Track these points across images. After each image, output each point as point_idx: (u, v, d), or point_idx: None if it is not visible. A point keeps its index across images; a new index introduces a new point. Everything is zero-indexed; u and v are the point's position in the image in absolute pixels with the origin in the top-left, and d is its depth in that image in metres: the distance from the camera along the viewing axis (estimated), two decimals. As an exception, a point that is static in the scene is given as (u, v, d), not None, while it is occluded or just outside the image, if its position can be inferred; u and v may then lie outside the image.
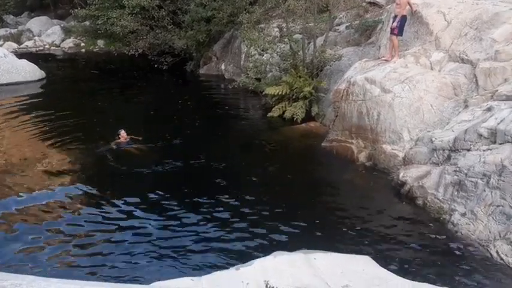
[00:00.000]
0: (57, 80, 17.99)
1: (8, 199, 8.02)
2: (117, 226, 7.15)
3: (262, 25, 16.24)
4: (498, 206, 6.46)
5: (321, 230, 6.96)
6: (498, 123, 7.19)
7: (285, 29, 13.55)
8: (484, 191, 6.69)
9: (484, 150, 7.13)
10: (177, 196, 8.11)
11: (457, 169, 7.26)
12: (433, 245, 6.62)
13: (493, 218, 6.46)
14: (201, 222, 7.25)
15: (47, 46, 25.48)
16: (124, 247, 6.60)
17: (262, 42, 13.60)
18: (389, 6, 12.01)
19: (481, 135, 7.34)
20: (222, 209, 7.68)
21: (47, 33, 26.23)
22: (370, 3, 14.87)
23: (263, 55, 14.68)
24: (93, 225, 7.20)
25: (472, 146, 7.41)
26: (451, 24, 9.73)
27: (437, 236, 6.81)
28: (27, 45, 25.22)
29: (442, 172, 7.57)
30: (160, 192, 8.21)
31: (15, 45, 24.63)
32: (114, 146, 10.27)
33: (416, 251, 6.47)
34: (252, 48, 14.85)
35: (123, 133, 10.42)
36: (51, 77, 18.07)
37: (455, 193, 7.13)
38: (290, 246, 6.20)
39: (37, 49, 24.93)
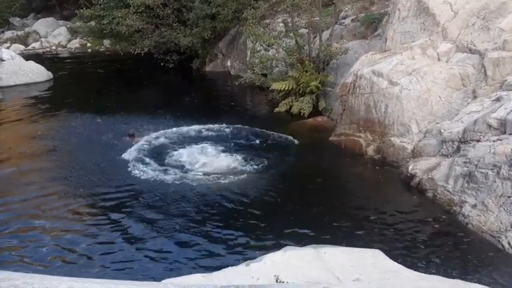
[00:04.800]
0: (64, 81, 18.11)
1: (12, 198, 8.12)
2: (126, 223, 7.18)
3: (267, 20, 16.22)
4: (509, 196, 6.39)
5: (331, 224, 6.94)
6: (508, 113, 7.12)
7: (290, 24, 13.49)
8: (495, 181, 6.62)
9: (493, 141, 7.06)
10: (185, 192, 8.11)
11: (467, 160, 7.19)
12: (443, 237, 6.58)
13: (504, 209, 6.40)
14: (210, 219, 7.25)
15: (53, 47, 25.65)
16: (134, 244, 6.62)
17: (268, 38, 13.56)
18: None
19: (491, 126, 7.27)
20: (229, 205, 7.68)
21: (53, 34, 26.41)
22: (375, -5, 14.75)
23: (269, 50, 14.65)
24: (101, 223, 7.23)
25: (481, 137, 7.34)
26: (457, 14, 9.62)
27: (448, 228, 6.77)
28: (34, 47, 25.42)
29: (451, 164, 7.50)
30: (169, 188, 8.22)
31: (22, 47, 24.83)
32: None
33: (427, 243, 6.43)
34: (257, 44, 14.83)
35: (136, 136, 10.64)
36: (58, 77, 18.20)
37: (466, 185, 7.07)
38: (300, 241, 6.19)
39: (44, 50, 25.10)
